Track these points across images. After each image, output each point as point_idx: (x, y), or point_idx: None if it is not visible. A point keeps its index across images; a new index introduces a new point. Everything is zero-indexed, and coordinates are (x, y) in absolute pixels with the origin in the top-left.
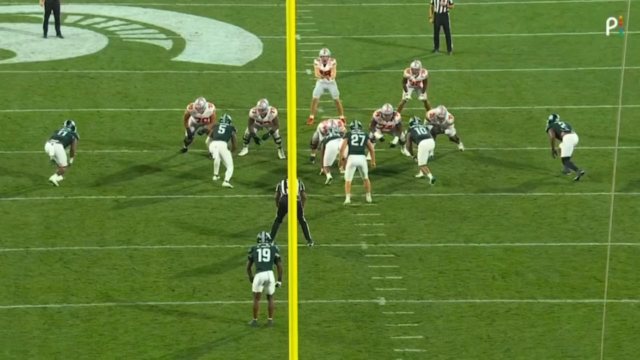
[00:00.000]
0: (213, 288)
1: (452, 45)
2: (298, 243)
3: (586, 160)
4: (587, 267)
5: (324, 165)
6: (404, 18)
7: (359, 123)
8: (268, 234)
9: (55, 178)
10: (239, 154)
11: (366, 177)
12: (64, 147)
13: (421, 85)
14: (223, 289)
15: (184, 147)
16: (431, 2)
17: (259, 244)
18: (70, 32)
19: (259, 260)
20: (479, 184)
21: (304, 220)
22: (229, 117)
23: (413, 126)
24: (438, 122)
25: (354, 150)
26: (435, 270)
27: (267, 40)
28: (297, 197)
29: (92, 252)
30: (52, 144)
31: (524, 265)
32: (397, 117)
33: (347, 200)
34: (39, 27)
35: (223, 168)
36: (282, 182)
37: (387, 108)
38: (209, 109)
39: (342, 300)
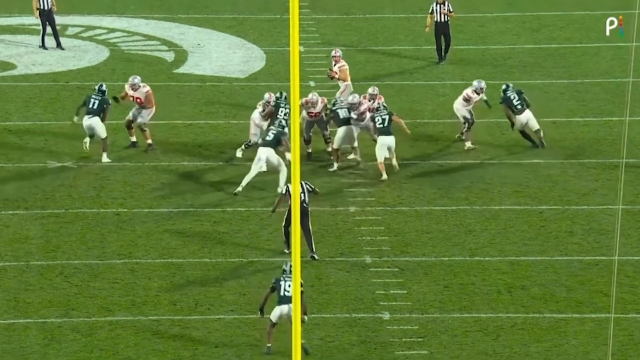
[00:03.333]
0: (215, 302)
1: (447, 55)
2: (302, 257)
3: (592, 173)
4: (594, 281)
5: (334, 146)
6: (408, 30)
7: (384, 104)
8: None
9: (104, 158)
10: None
11: (394, 157)
12: (99, 117)
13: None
14: (225, 303)
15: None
16: (430, 11)
17: (284, 275)
18: (72, 43)
19: (281, 293)
20: (484, 196)
21: (310, 228)
22: (283, 123)
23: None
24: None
25: (382, 132)
26: (440, 284)
27: (270, 52)
28: (306, 203)
29: (92, 266)
30: (88, 120)
31: (529, 280)
32: (321, 104)
33: (384, 176)
34: (39, 39)
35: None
36: (290, 186)
37: (311, 95)
38: (143, 89)
39: (346, 314)
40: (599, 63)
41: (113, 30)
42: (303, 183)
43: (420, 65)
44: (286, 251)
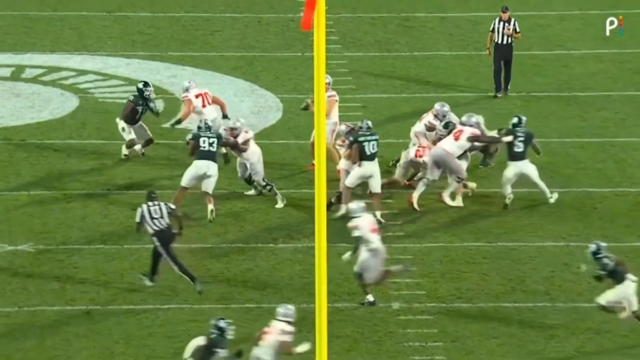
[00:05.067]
0: None
1: (509, 85)
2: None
3: None
4: None
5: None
6: (469, 71)
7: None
8: None
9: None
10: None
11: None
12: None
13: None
14: None
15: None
16: (491, 28)
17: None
18: (29, 90)
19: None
20: (568, 290)
21: (173, 254)
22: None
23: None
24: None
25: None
26: None
27: (288, 100)
28: (167, 225)
29: None
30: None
31: None
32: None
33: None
34: None
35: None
36: (144, 206)
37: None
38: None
39: None
40: None
41: (84, 72)
42: (163, 204)
43: (475, 107)
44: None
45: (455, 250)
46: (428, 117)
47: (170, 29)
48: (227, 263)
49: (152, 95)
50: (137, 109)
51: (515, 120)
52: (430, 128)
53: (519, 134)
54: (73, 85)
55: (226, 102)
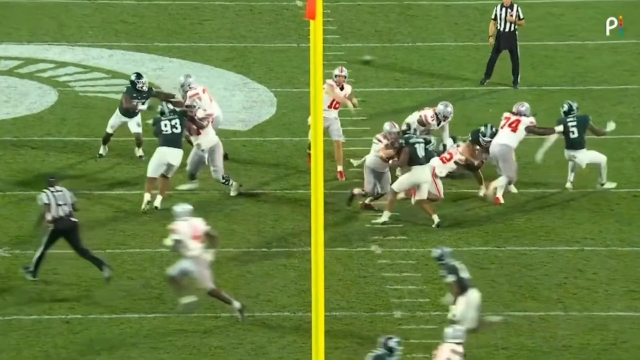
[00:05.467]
0: None
1: (519, 77)
2: None
3: None
4: None
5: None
6: (476, 63)
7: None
8: None
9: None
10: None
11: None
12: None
13: None
14: None
15: None
16: (493, 15)
17: None
18: (4, 83)
19: None
20: (583, 299)
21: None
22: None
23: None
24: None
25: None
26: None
27: (282, 94)
28: (70, 212)
29: None
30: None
31: None
32: None
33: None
34: None
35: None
36: (48, 192)
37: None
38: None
39: None
40: None
41: (63, 64)
42: (66, 190)
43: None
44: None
45: (462, 254)
46: (426, 112)
47: (156, 18)
48: (216, 268)
49: (146, 88)
50: (134, 101)
51: (565, 107)
52: (422, 123)
53: (570, 120)
54: (51, 78)
55: (215, 97)
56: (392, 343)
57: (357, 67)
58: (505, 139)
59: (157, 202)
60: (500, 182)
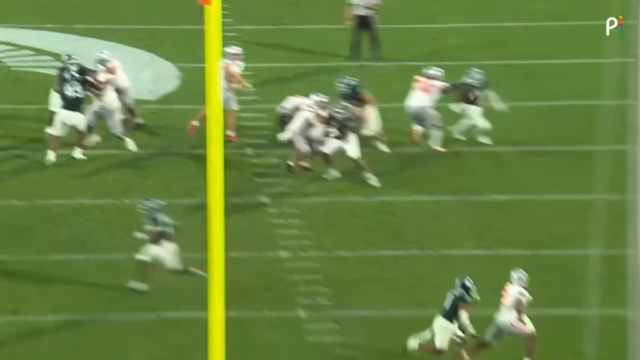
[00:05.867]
0: None
1: (380, 52)
2: None
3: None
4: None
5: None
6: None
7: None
8: None
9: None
10: None
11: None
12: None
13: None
14: None
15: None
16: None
17: None
18: None
19: None
20: (439, 240)
21: None
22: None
23: None
24: None
25: None
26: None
27: (186, 69)
28: None
29: None
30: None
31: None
32: None
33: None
34: None
35: None
36: None
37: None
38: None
39: None
40: (573, 83)
41: None
42: None
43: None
44: None
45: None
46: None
47: (79, 2)
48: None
49: (75, 68)
50: (65, 81)
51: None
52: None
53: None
54: None
55: (128, 71)
56: (468, 282)
57: (249, 46)
58: (420, 102)
59: (77, 153)
60: (434, 137)
